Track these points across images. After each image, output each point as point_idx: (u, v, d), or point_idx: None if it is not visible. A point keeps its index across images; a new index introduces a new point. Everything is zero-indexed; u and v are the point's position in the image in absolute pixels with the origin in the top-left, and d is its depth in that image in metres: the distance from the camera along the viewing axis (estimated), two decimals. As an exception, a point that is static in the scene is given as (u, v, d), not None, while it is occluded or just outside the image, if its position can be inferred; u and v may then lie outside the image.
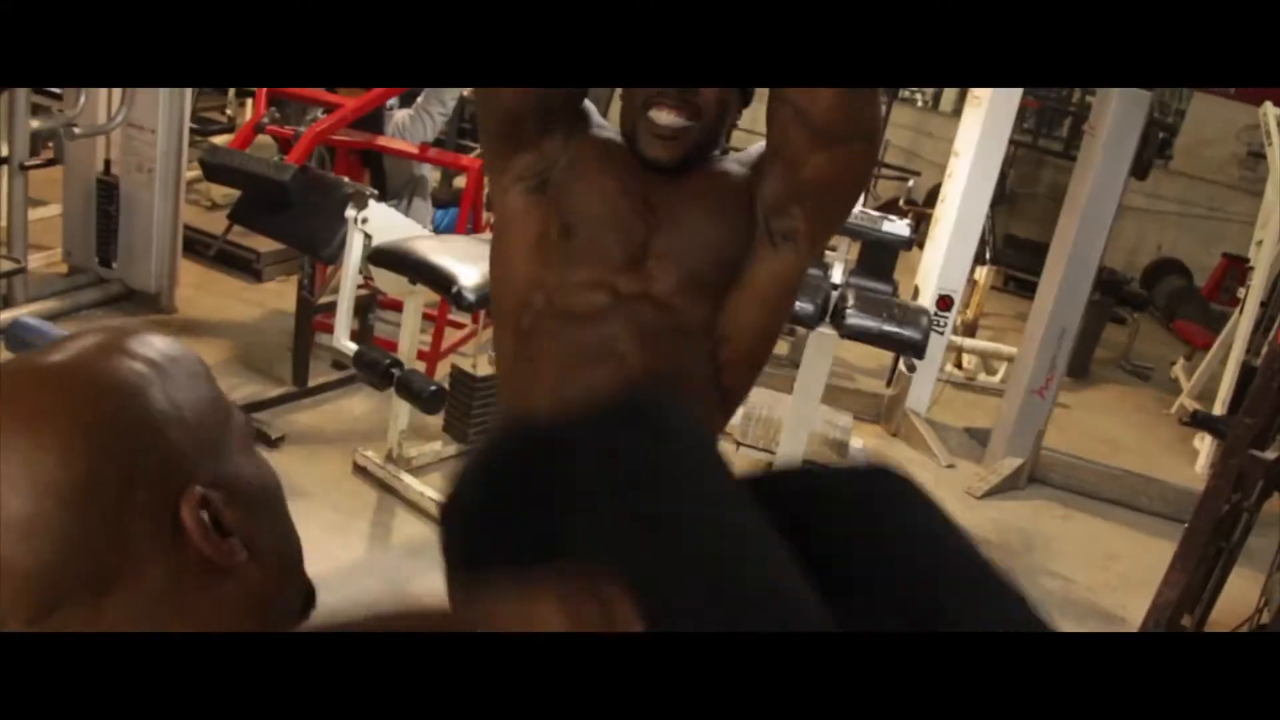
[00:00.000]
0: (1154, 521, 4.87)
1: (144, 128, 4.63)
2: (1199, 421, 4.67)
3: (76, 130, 4.45)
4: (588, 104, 1.64)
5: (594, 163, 1.57)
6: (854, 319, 3.55)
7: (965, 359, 6.27)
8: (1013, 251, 8.26)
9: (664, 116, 1.50)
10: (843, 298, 3.68)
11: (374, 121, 4.69)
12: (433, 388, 3.32)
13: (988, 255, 6.47)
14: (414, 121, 4.77)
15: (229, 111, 7.36)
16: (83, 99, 4.49)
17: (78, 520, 0.64)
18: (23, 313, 3.91)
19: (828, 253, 5.52)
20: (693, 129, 1.52)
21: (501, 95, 1.54)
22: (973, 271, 6.04)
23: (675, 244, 1.55)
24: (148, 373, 0.70)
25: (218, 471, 0.71)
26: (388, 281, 3.63)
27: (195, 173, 5.91)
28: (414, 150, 4.64)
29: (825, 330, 3.67)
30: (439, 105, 4.73)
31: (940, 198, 5.34)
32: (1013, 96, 4.99)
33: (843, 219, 1.64)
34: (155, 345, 0.72)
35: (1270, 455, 3.20)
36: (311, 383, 4.41)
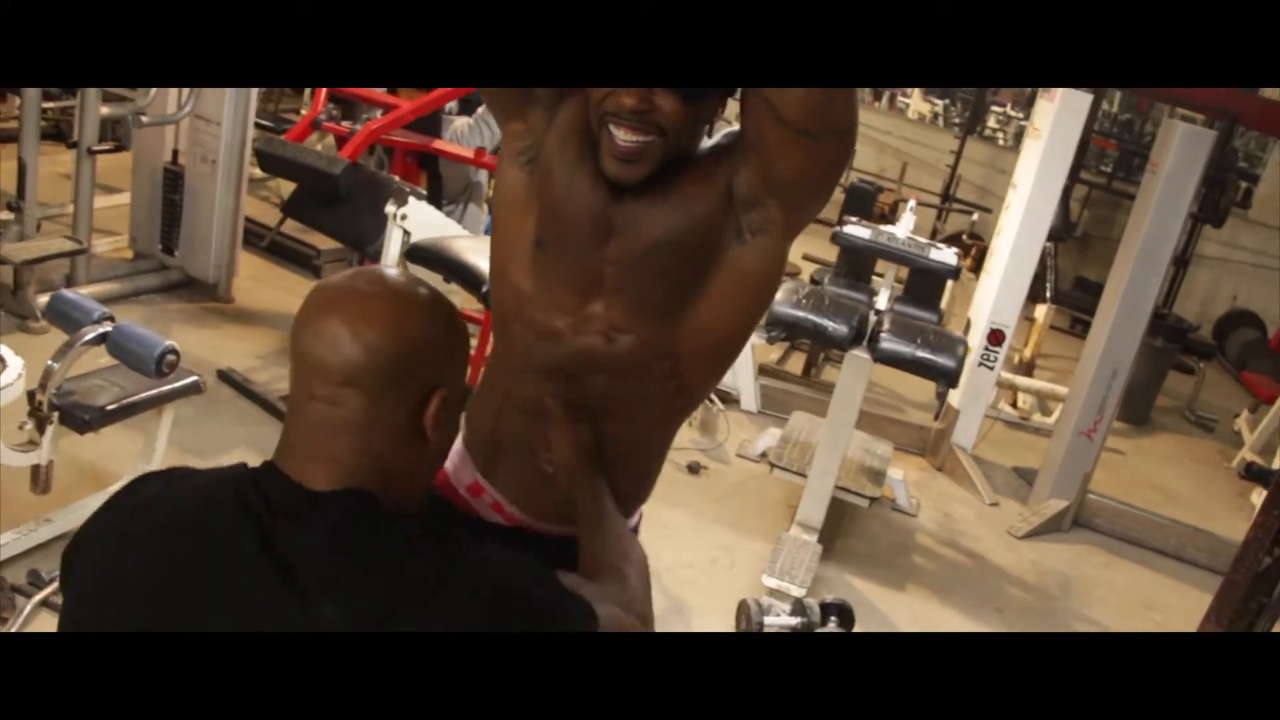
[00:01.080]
0: (1199, 574, 4.73)
1: (210, 120, 4.74)
2: (1253, 474, 4.53)
3: (144, 119, 4.57)
4: None
5: (567, 161, 1.52)
6: (887, 343, 3.51)
7: (1020, 398, 6.16)
8: (1082, 294, 8.10)
9: (623, 135, 1.42)
10: (879, 322, 3.63)
11: (432, 126, 4.75)
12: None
13: (1048, 294, 6.35)
14: (472, 131, 4.82)
15: (304, 112, 7.51)
16: (153, 89, 4.62)
17: (401, 360, 1.11)
18: (81, 293, 4.02)
19: (874, 278, 5.48)
20: (655, 145, 1.43)
21: None
22: (1032, 309, 5.94)
23: (631, 274, 1.51)
24: (454, 313, 1.19)
25: (456, 380, 1.17)
26: (424, 279, 3.66)
27: (265, 170, 6.05)
28: (470, 155, 4.69)
29: (859, 354, 3.63)
30: None
31: (996, 230, 5.27)
32: (1073, 130, 4.90)
33: (817, 210, 1.55)
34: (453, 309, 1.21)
35: (1314, 509, 3.09)
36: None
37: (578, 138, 1.51)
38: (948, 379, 3.48)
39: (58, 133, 6.25)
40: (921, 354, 3.46)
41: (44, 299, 4.40)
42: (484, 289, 3.27)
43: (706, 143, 1.53)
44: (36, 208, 4.59)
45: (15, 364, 2.77)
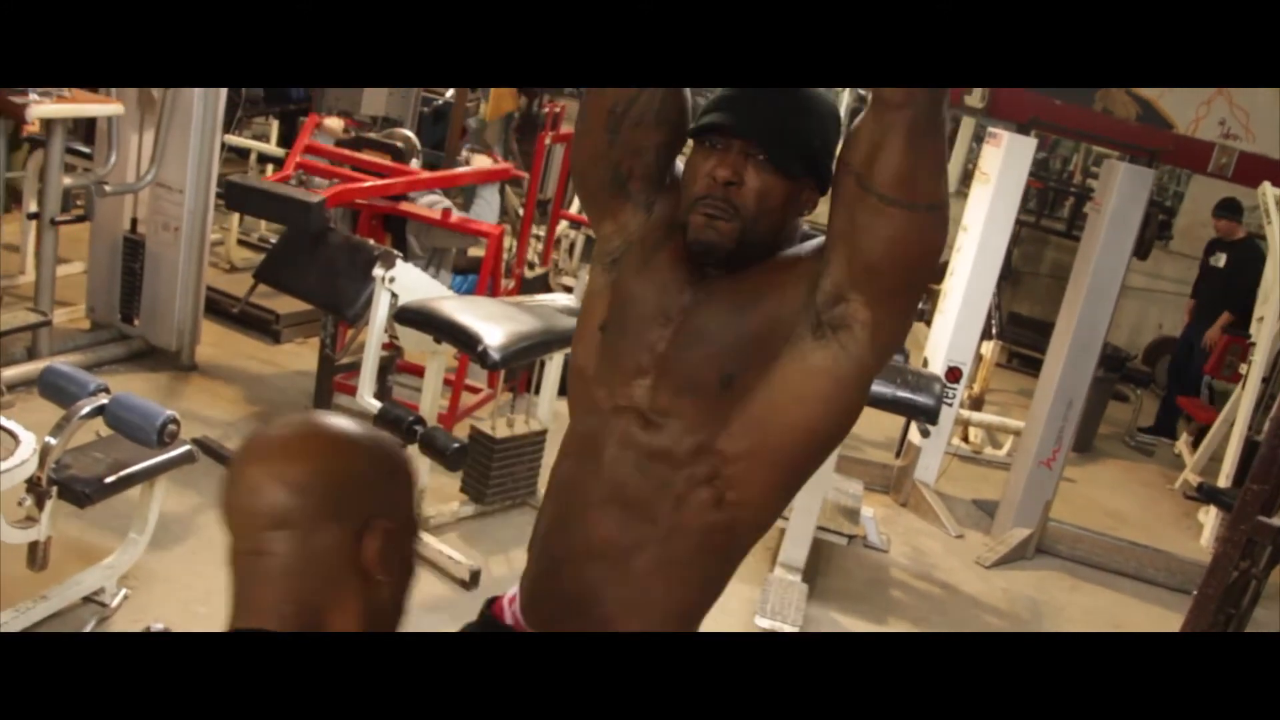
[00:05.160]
0: (1160, 593, 4.91)
1: (172, 187, 4.73)
2: (1205, 494, 4.73)
3: (107, 188, 4.55)
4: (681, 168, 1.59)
5: (650, 252, 1.54)
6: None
7: (972, 433, 6.33)
8: (1017, 329, 8.37)
9: (703, 220, 1.46)
10: (857, 364, 3.75)
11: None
12: (456, 445, 3.38)
13: (994, 330, 6.56)
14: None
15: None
16: (113, 157, 4.60)
17: (328, 493, 1.06)
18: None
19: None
20: (735, 228, 1.45)
21: (576, 156, 1.60)
22: (979, 346, 6.12)
23: (683, 353, 1.47)
24: (387, 444, 1.13)
25: (400, 514, 1.11)
26: (412, 341, 3.70)
27: (215, 235, 6.05)
28: (436, 216, 4.75)
29: (840, 395, 3.74)
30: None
31: (949, 271, 5.44)
32: (1020, 173, 5.11)
33: (908, 306, 1.44)
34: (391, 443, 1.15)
35: (1278, 521, 3.25)
36: (329, 441, 4.45)
37: (664, 228, 1.55)
38: (928, 416, 3.60)
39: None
40: (903, 394, 3.57)
41: (7, 373, 4.36)
42: (479, 348, 3.33)
43: (799, 248, 1.52)
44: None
45: (28, 440, 2.76)
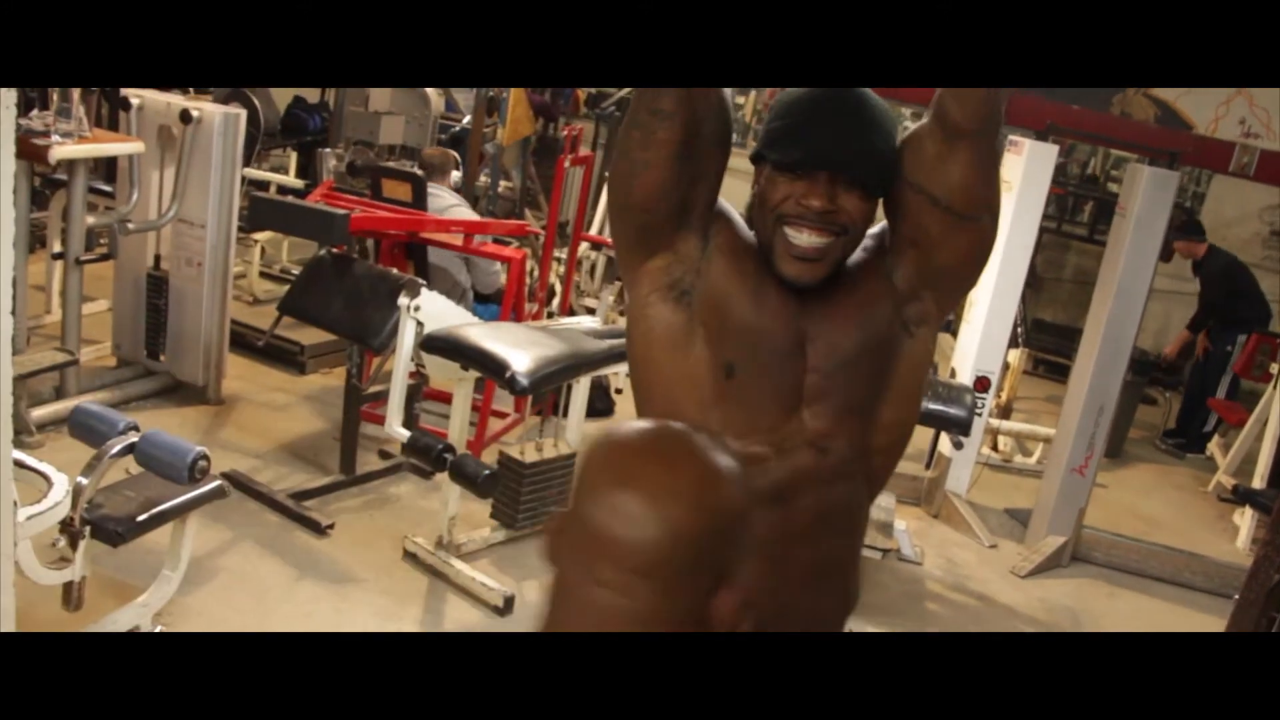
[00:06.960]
0: (1199, 597, 4.86)
1: (194, 223, 4.75)
2: (1241, 496, 4.68)
3: (130, 226, 4.58)
4: (723, 203, 1.59)
5: (748, 278, 1.52)
6: (899, 397, 3.59)
7: (1001, 441, 6.29)
8: (1042, 335, 8.31)
9: (806, 237, 1.47)
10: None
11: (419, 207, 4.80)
12: (486, 472, 3.37)
13: (1019, 338, 6.51)
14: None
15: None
16: (135, 195, 4.63)
17: (684, 557, 0.93)
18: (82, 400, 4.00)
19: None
20: (836, 245, 1.48)
21: (633, 192, 1.49)
22: (1006, 355, 6.08)
23: (835, 379, 1.52)
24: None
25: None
26: (438, 368, 3.70)
27: (237, 269, 6.09)
28: (457, 242, 4.75)
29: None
30: None
31: (973, 281, 5.41)
32: (1043, 180, 5.08)
33: (961, 299, 1.69)
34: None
35: (1321, 524, 3.20)
36: (358, 472, 4.46)
37: (747, 254, 1.53)
38: (961, 428, 3.57)
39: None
40: (934, 406, 3.55)
41: (37, 412, 4.39)
42: (507, 374, 3.32)
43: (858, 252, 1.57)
44: (26, 321, 4.56)
45: (61, 481, 2.76)
